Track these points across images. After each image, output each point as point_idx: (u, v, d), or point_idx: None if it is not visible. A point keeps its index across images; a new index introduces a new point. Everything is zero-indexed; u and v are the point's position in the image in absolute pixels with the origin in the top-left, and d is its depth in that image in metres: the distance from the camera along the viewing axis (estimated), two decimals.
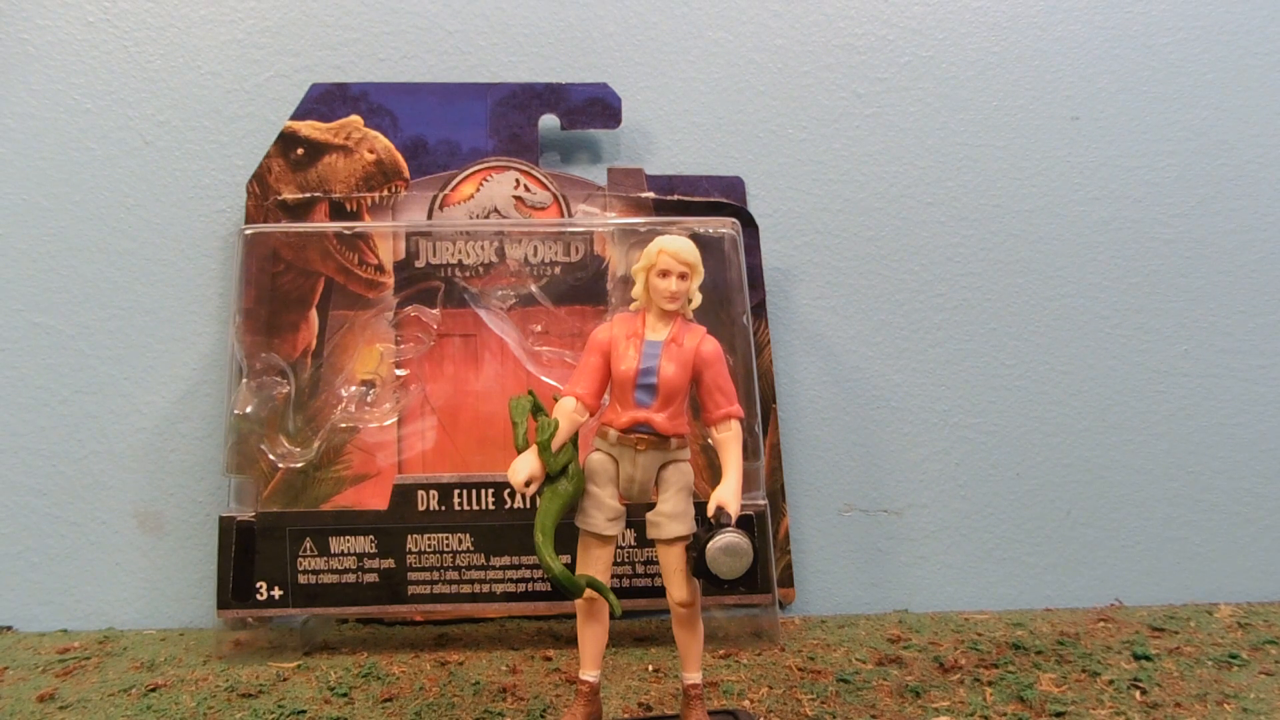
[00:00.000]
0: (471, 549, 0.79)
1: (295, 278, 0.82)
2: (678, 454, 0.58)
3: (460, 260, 0.83)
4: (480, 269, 0.83)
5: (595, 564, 0.58)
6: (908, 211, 0.93)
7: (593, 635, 0.59)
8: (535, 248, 0.83)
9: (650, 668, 0.75)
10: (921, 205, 0.93)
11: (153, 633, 0.85)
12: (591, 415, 0.59)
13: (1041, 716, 0.65)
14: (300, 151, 0.86)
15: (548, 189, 0.86)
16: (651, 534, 0.57)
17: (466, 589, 0.79)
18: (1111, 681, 0.70)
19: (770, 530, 0.80)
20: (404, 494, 0.79)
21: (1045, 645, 0.78)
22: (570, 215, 0.86)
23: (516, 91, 0.88)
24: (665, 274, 0.57)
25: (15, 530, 0.87)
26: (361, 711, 0.67)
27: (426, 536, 0.79)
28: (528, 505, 0.78)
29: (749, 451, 0.71)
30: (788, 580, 0.87)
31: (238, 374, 0.80)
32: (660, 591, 0.60)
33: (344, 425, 0.80)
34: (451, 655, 0.77)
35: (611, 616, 0.58)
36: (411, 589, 0.78)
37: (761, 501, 0.79)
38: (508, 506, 0.79)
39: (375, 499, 0.79)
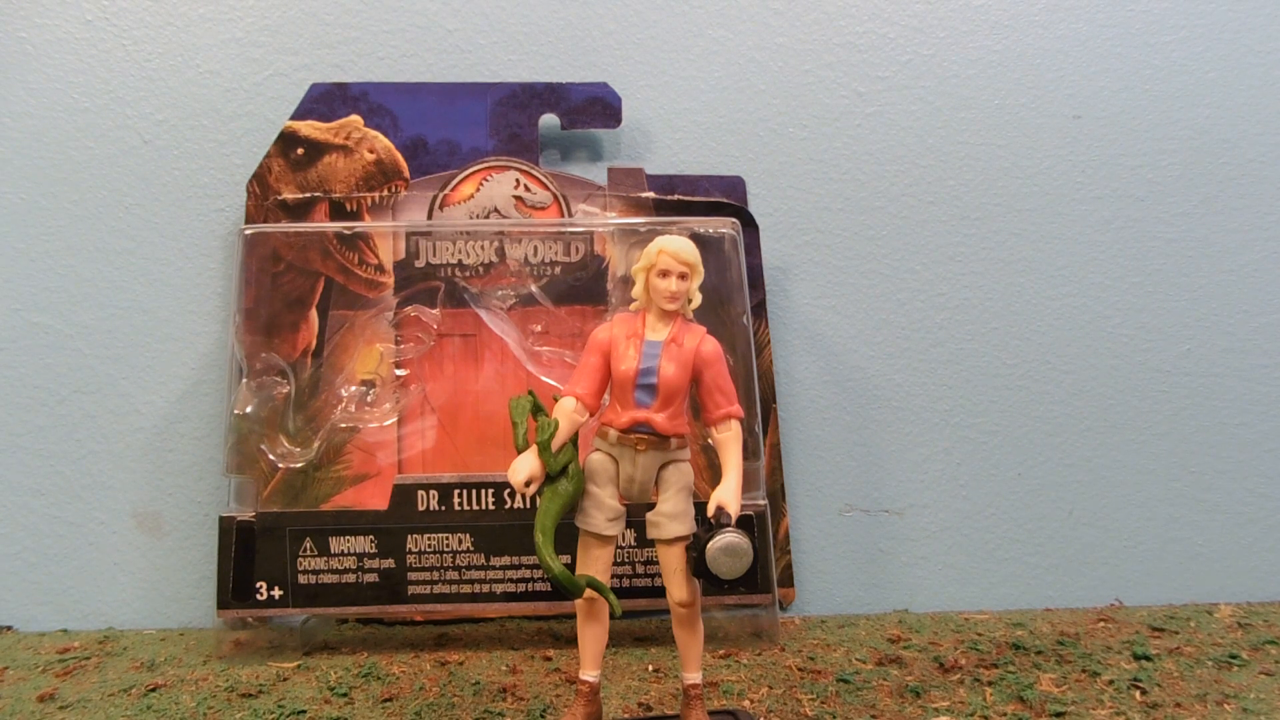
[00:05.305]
0: (471, 549, 0.79)
1: (295, 278, 0.82)
2: (678, 454, 0.58)
3: (460, 260, 0.83)
4: (480, 269, 0.83)
5: (595, 564, 0.58)
6: (909, 211, 0.93)
7: (593, 635, 0.59)
8: (535, 248, 0.83)
9: (650, 668, 0.75)
10: (923, 204, 0.93)
11: (153, 633, 0.85)
12: (591, 415, 0.59)
13: (1041, 716, 0.65)
14: (300, 151, 0.86)
15: (548, 189, 0.86)
16: (651, 534, 0.57)
17: (466, 589, 0.79)
18: (1111, 681, 0.70)
19: (770, 530, 0.79)
20: (404, 494, 0.79)
21: (1045, 645, 0.78)
22: (570, 215, 0.86)
23: (516, 91, 0.87)
24: (665, 274, 0.57)
25: (15, 530, 0.87)
26: (361, 711, 0.67)
27: (426, 536, 0.79)
28: (528, 505, 0.78)
29: (749, 451, 0.71)
30: (788, 580, 0.87)
31: (238, 374, 0.80)
32: (660, 591, 0.60)
33: (344, 425, 0.80)
34: (451, 655, 0.77)
35: (611, 616, 0.58)
36: (411, 589, 0.78)
37: (761, 501, 0.79)
38: (508, 506, 0.79)
39: (375, 499, 0.79)
